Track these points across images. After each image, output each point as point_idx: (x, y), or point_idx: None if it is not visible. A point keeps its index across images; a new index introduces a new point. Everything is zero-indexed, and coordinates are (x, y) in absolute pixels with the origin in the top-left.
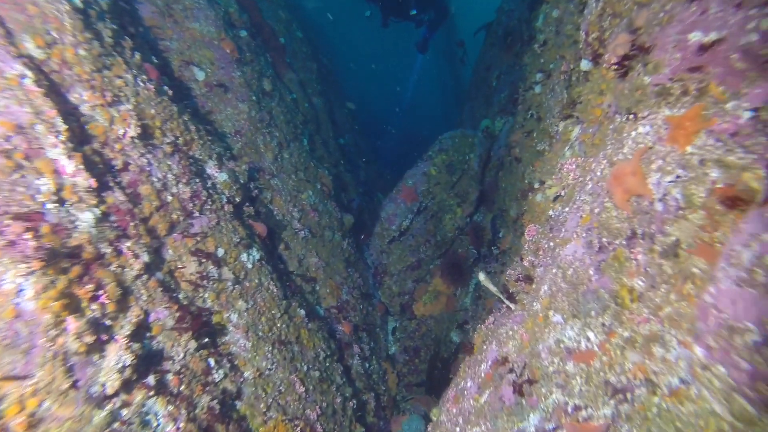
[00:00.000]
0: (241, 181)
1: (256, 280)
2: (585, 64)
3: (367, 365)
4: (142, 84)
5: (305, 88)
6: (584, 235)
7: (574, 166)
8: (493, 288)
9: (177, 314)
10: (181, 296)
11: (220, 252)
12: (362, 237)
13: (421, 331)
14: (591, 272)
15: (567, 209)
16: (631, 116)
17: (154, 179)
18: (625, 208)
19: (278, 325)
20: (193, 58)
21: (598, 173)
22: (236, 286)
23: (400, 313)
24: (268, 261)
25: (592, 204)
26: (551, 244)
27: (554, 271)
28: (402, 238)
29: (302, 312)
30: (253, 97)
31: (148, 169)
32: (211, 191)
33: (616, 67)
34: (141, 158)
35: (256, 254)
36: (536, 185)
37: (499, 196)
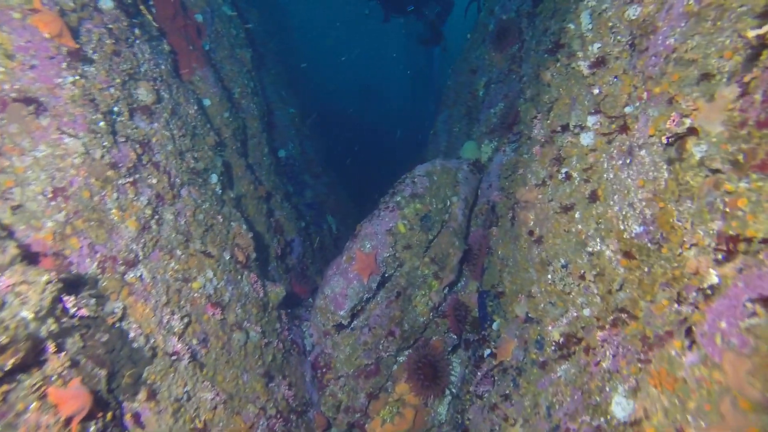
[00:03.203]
0: (25, 317)
1: None
2: None
3: None
4: None
5: (229, 89)
6: None
7: None
8: None
9: None
10: None
11: None
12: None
13: None
14: None
15: None
16: None
17: None
18: None
19: None
20: None
21: None
22: None
23: None
24: None
25: None
26: None
27: None
28: (355, 324)
29: None
30: (101, 123)
31: None
32: None
33: None
34: None
35: None
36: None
37: (491, 264)
